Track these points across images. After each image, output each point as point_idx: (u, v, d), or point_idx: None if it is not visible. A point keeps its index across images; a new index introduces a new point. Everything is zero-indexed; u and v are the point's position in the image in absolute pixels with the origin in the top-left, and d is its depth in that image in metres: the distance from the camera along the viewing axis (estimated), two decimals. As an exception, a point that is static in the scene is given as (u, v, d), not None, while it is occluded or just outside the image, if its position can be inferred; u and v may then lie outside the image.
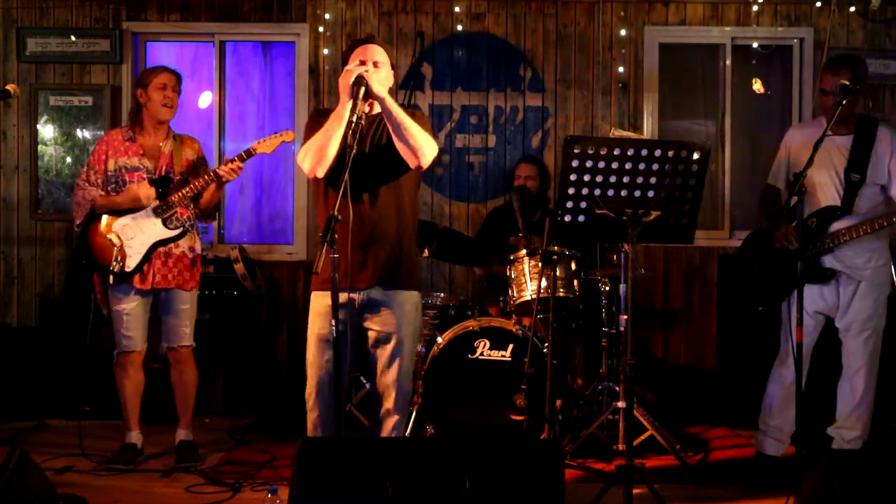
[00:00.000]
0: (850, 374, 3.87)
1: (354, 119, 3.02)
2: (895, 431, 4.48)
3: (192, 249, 4.24)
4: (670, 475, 4.00)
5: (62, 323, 5.37)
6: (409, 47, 5.65)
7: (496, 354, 4.16)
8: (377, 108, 3.19)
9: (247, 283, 5.23)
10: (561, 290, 4.23)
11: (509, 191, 5.28)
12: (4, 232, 5.73)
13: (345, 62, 3.25)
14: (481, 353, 4.16)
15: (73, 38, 5.67)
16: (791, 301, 3.89)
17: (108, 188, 4.14)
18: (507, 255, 4.44)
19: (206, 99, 5.98)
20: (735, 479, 3.93)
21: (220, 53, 5.80)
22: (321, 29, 5.65)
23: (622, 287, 3.61)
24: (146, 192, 4.08)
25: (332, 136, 3.08)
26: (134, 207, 4.08)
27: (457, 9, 5.62)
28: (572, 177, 3.21)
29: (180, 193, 4.08)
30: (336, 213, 2.81)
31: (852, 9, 5.54)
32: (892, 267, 3.95)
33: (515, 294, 4.34)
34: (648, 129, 5.63)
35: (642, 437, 4.19)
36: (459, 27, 5.66)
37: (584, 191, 3.23)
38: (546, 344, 4.14)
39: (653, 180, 3.23)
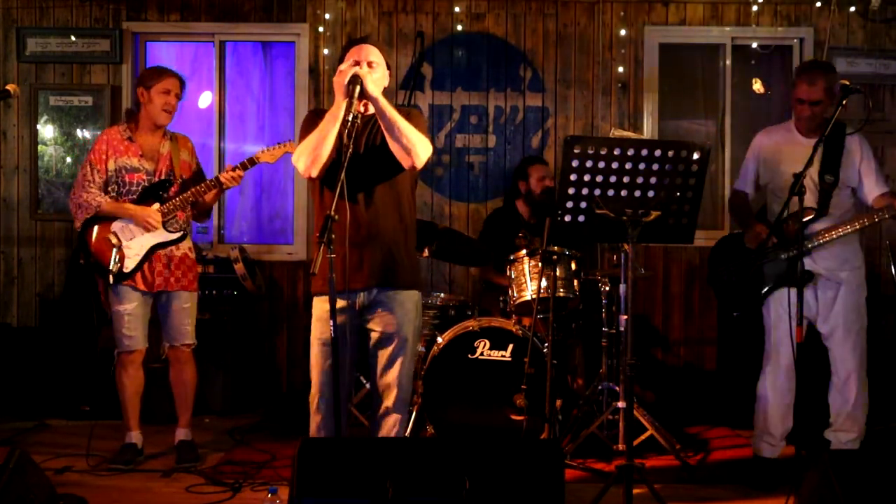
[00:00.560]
0: (842, 379, 3.86)
1: (350, 118, 3.02)
2: (895, 431, 4.48)
3: (192, 250, 4.25)
4: (670, 475, 4.00)
5: (62, 323, 5.37)
6: (409, 47, 5.65)
7: (496, 354, 4.16)
8: (372, 109, 3.19)
9: (247, 283, 5.23)
10: (561, 290, 4.23)
11: (513, 192, 5.20)
12: (4, 232, 5.73)
13: (340, 62, 3.25)
14: (481, 353, 4.16)
15: (73, 38, 5.67)
16: (769, 304, 3.90)
17: (109, 188, 4.14)
18: (507, 257, 4.44)
19: (206, 99, 5.98)
20: (735, 479, 3.93)
21: (220, 53, 5.81)
22: (321, 29, 5.65)
23: (622, 287, 3.61)
24: (156, 218, 4.05)
25: (326, 136, 3.07)
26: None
27: (457, 9, 5.62)
28: (572, 177, 3.21)
29: (182, 198, 4.07)
30: (333, 212, 2.81)
31: (852, 9, 5.54)
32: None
33: (515, 294, 4.34)
34: (648, 129, 5.63)
35: (642, 437, 4.19)
36: (459, 27, 5.66)
37: (584, 191, 3.23)
38: (546, 344, 4.14)
39: (653, 180, 3.23)
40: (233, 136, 5.99)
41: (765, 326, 3.99)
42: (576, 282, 4.34)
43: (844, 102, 3.48)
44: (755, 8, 5.56)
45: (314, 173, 3.13)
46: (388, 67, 3.28)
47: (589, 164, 3.20)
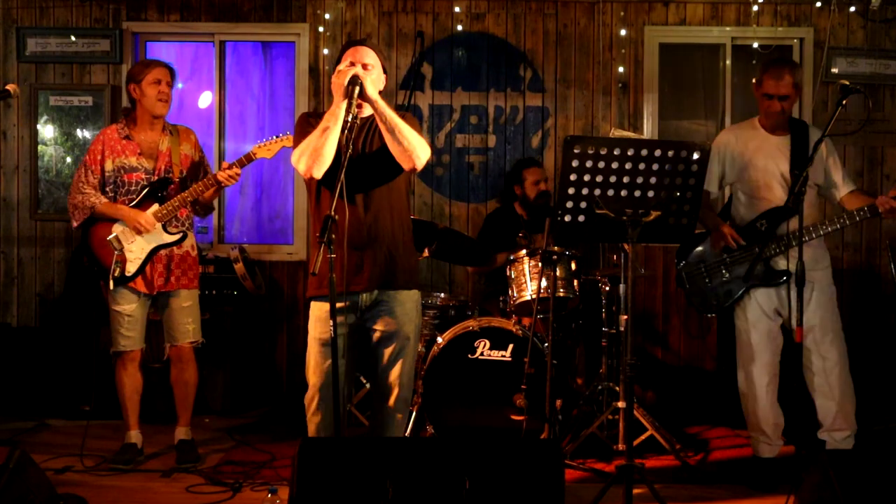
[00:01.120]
0: (825, 378, 3.84)
1: (350, 119, 3.02)
2: (895, 431, 4.48)
3: (194, 248, 4.25)
4: (670, 475, 4.00)
5: (62, 323, 5.38)
6: (409, 47, 5.65)
7: (496, 354, 4.16)
8: (366, 111, 3.18)
9: (247, 283, 5.23)
10: (561, 290, 4.23)
11: (508, 195, 5.20)
12: (4, 232, 5.73)
13: (338, 63, 3.24)
14: (481, 353, 4.16)
15: (73, 38, 5.67)
16: (744, 305, 3.89)
17: (107, 189, 4.12)
18: (508, 255, 4.45)
19: (206, 99, 5.98)
20: (735, 479, 3.93)
21: (220, 53, 5.80)
22: (321, 29, 5.65)
23: (622, 287, 3.62)
24: (147, 221, 4.04)
25: (328, 136, 3.06)
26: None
27: (457, 9, 5.62)
28: (572, 177, 3.21)
29: (180, 197, 4.06)
30: (333, 213, 2.81)
31: (852, 9, 5.54)
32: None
33: (515, 294, 4.34)
34: (648, 129, 5.63)
35: (642, 437, 4.19)
36: (459, 27, 5.66)
37: (584, 191, 3.23)
38: (546, 344, 4.15)
39: (653, 180, 3.23)
40: (233, 136, 5.99)
41: (737, 326, 3.98)
42: (576, 282, 4.34)
43: (844, 102, 3.48)
44: (755, 8, 5.55)
45: (317, 174, 3.12)
46: (385, 71, 3.28)
47: (589, 164, 3.20)
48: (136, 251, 4.05)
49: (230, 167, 4.05)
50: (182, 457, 4.16)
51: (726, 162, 4.01)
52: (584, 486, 3.69)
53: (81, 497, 3.40)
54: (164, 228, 4.10)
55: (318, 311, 3.21)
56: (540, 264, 4.17)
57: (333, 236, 2.82)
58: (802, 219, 3.48)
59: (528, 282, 4.27)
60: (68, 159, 5.71)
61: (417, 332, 3.33)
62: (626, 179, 3.22)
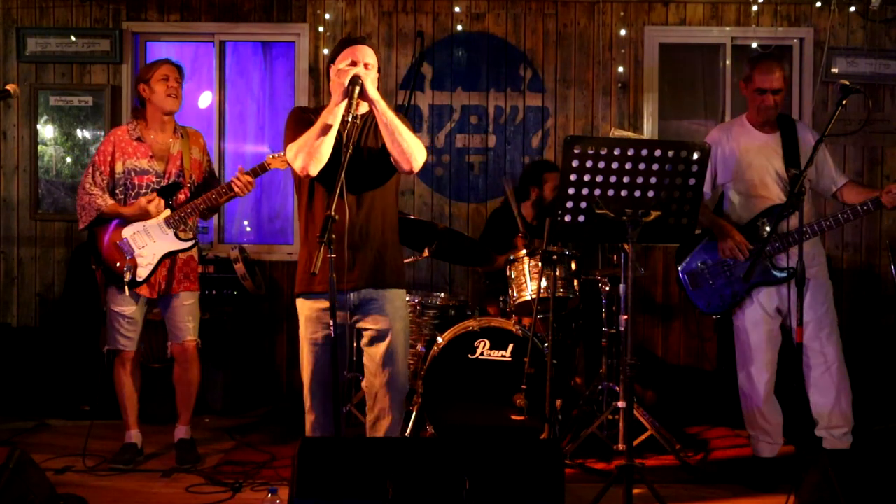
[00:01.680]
0: (820, 373, 3.84)
1: (349, 118, 3.02)
2: (895, 431, 4.48)
3: (196, 251, 4.24)
4: (670, 475, 4.00)
5: (62, 323, 5.38)
6: (409, 47, 5.65)
7: (496, 354, 4.16)
8: (362, 110, 3.18)
9: (247, 283, 5.23)
10: (561, 290, 4.23)
11: (520, 194, 5.01)
12: (4, 232, 5.73)
13: (332, 60, 3.24)
14: (481, 353, 4.16)
15: (73, 38, 5.67)
16: (746, 305, 3.89)
17: (117, 191, 4.09)
18: (508, 255, 4.44)
19: (206, 99, 5.98)
20: (735, 479, 3.93)
21: (220, 53, 5.80)
22: (321, 29, 5.65)
23: (622, 287, 3.61)
24: (156, 207, 4.03)
25: (327, 134, 3.06)
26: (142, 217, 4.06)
27: (457, 9, 5.62)
28: (572, 177, 3.21)
29: (193, 205, 4.04)
30: (332, 212, 2.82)
31: (852, 9, 5.54)
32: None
33: (515, 294, 4.34)
34: (648, 129, 5.63)
35: (642, 437, 4.19)
36: (459, 27, 5.66)
37: (584, 191, 3.23)
38: (546, 344, 4.14)
39: (653, 180, 3.23)
40: (233, 136, 5.99)
41: (737, 326, 3.98)
42: (576, 282, 4.34)
43: (844, 102, 3.48)
44: (755, 8, 5.55)
45: (313, 171, 3.12)
46: (379, 70, 3.28)
47: (589, 164, 3.20)
48: (147, 256, 4.03)
49: (245, 175, 4.00)
50: (182, 457, 4.16)
51: (718, 161, 4.01)
52: (584, 486, 3.69)
53: (81, 497, 3.41)
54: (176, 234, 4.08)
55: (308, 311, 3.23)
56: (540, 264, 4.17)
57: (333, 236, 2.82)
58: (803, 217, 3.48)
59: (528, 282, 4.27)
60: (68, 159, 5.71)
61: (407, 329, 3.36)
62: (626, 179, 3.22)
